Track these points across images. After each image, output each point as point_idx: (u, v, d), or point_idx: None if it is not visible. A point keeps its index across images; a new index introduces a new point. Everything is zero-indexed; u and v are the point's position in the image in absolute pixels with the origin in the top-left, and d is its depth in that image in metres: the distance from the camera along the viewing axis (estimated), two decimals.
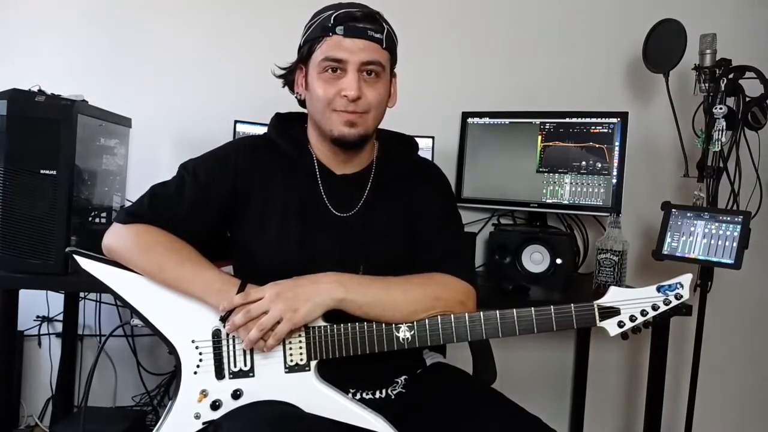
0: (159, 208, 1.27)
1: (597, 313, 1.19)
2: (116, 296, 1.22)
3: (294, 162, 1.32)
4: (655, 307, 1.19)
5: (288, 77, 1.34)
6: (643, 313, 1.19)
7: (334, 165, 1.33)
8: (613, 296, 1.20)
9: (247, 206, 1.29)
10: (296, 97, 1.34)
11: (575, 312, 1.19)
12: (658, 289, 1.20)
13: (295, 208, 1.28)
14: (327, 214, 1.30)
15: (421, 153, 1.45)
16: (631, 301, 1.20)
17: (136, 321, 1.23)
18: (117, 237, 1.25)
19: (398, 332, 1.19)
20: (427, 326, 1.20)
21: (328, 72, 1.23)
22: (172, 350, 1.21)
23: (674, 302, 1.19)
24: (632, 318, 1.19)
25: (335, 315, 1.20)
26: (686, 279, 1.20)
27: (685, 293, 1.19)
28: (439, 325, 1.20)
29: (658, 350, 1.94)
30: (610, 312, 1.20)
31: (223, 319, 1.17)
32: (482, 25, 2.43)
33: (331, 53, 1.22)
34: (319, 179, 1.32)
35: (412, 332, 1.19)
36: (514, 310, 1.20)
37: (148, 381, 2.29)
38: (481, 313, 1.20)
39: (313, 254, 1.25)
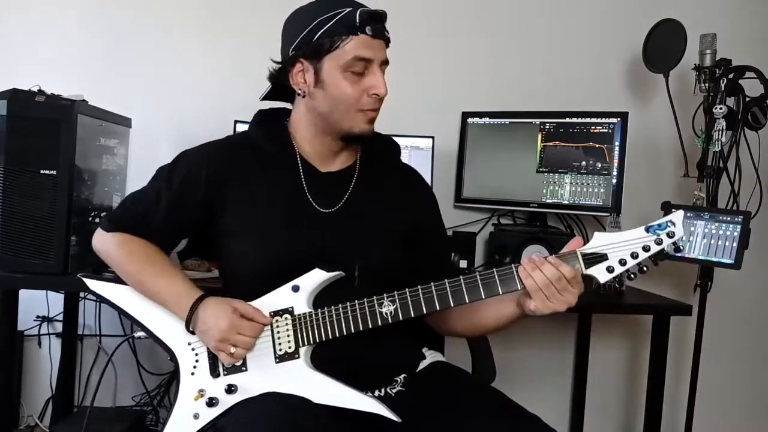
0: (137, 218, 1.32)
1: (581, 260, 1.13)
2: (122, 312, 1.30)
3: (276, 159, 1.32)
4: (646, 248, 1.10)
5: (282, 71, 1.31)
6: (634, 255, 1.11)
7: (319, 162, 1.33)
8: (598, 241, 1.13)
9: (226, 206, 1.29)
10: (298, 93, 1.29)
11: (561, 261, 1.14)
12: (647, 230, 1.11)
13: (278, 205, 1.28)
14: (311, 210, 1.30)
15: (421, 153, 1.46)
16: (618, 245, 1.12)
17: (140, 333, 1.30)
18: (102, 243, 1.35)
19: (381, 308, 1.19)
20: (409, 296, 1.19)
21: (353, 70, 1.23)
22: (172, 356, 1.26)
23: (666, 240, 1.10)
24: (622, 261, 1.11)
25: (321, 301, 1.22)
26: (677, 216, 1.12)
27: (678, 231, 1.10)
28: (420, 294, 1.19)
29: (658, 350, 1.94)
30: (596, 258, 1.13)
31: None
32: (482, 25, 2.43)
33: (360, 52, 1.22)
34: (303, 176, 1.31)
35: (395, 306, 1.19)
36: (495, 269, 1.17)
37: (148, 381, 2.29)
38: (461, 276, 1.19)
39: (301, 252, 1.25)
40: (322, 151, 1.33)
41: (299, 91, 1.29)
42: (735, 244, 1.87)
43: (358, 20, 1.22)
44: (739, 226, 1.87)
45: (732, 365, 2.53)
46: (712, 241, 1.90)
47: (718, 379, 2.46)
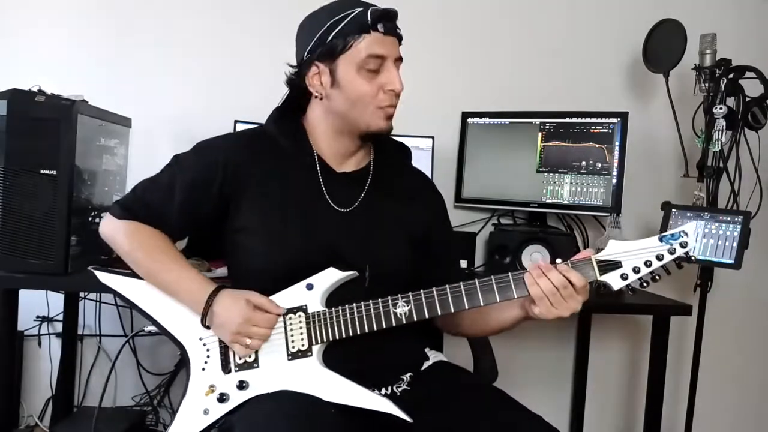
0: (150, 208, 1.30)
1: (596, 267, 1.15)
2: (132, 305, 1.30)
3: (293, 156, 1.32)
4: (659, 257, 1.13)
5: (298, 75, 1.31)
6: (648, 263, 1.13)
7: (335, 162, 1.34)
8: (613, 249, 1.15)
9: (242, 201, 1.29)
10: (315, 96, 1.30)
11: (572, 268, 1.16)
12: (661, 239, 1.14)
13: (295, 203, 1.29)
14: (328, 210, 1.30)
15: (421, 153, 1.46)
16: (632, 253, 1.14)
17: (150, 327, 1.30)
18: (111, 230, 1.32)
19: (395, 308, 1.20)
20: (423, 297, 1.20)
21: (368, 68, 1.24)
22: (182, 350, 1.26)
23: (679, 250, 1.13)
24: (636, 269, 1.14)
25: (331, 300, 1.22)
26: (690, 227, 1.14)
27: (690, 241, 1.13)
28: (435, 295, 1.20)
29: (658, 350, 1.94)
30: (611, 265, 1.15)
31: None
32: (482, 25, 2.43)
33: (374, 50, 1.24)
34: (320, 175, 1.32)
35: (409, 306, 1.19)
36: (510, 273, 1.19)
37: (148, 381, 2.29)
38: (476, 279, 1.20)
39: (316, 251, 1.26)
40: (338, 151, 1.33)
41: (316, 94, 1.29)
42: (735, 244, 1.87)
43: (369, 19, 1.23)
44: (739, 226, 1.87)
45: (732, 365, 2.53)
46: (712, 241, 1.90)
47: (718, 380, 2.46)
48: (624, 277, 1.15)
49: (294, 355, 1.21)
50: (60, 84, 1.81)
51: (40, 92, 1.72)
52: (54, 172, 1.66)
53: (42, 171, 1.66)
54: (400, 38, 1.29)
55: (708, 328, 2.10)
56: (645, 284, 1.16)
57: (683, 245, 1.13)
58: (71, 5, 2.27)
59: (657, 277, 1.16)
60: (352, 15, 1.24)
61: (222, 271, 1.79)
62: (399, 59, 1.29)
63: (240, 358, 1.22)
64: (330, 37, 1.24)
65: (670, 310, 1.97)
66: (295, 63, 1.33)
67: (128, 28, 2.29)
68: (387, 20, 1.25)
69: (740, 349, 2.54)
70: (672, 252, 1.14)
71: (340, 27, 1.23)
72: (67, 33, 2.27)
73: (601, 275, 1.15)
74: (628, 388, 2.53)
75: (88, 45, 2.27)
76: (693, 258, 1.15)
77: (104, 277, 1.31)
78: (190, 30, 2.31)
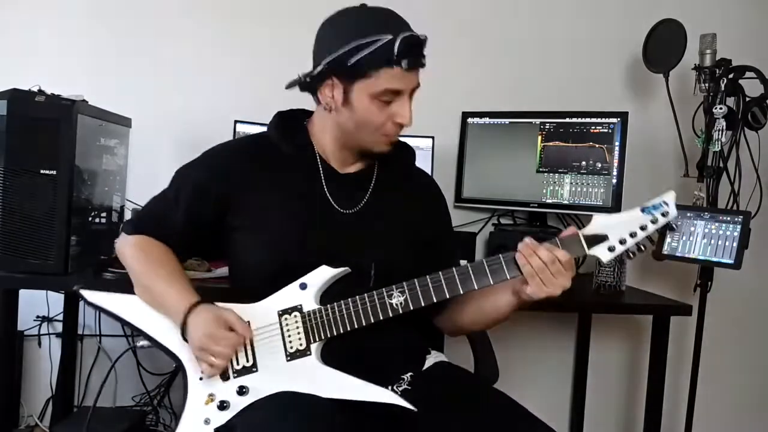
0: (156, 219, 1.33)
1: (583, 242, 1.18)
2: (123, 322, 1.30)
3: (295, 160, 1.32)
4: (643, 228, 1.17)
5: (312, 83, 1.27)
6: (633, 234, 1.17)
7: (338, 164, 1.34)
8: (598, 223, 1.19)
9: (244, 209, 1.29)
10: (325, 108, 1.27)
11: (561, 245, 1.17)
12: (643, 210, 1.18)
13: (298, 206, 1.29)
14: (331, 211, 1.30)
15: (421, 153, 1.46)
16: (617, 225, 1.18)
17: (142, 342, 1.29)
18: (121, 245, 1.36)
19: (391, 299, 1.20)
20: (418, 286, 1.20)
21: (382, 99, 1.22)
22: (178, 362, 1.25)
23: (661, 220, 1.17)
24: (622, 241, 1.17)
25: (329, 296, 1.22)
26: (670, 196, 1.18)
27: (671, 210, 1.17)
28: (429, 283, 1.20)
29: (658, 350, 1.94)
30: (598, 239, 1.18)
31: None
32: (483, 25, 2.43)
33: (393, 85, 1.21)
34: (323, 177, 1.32)
35: (405, 296, 1.20)
36: (500, 255, 1.20)
37: (148, 381, 2.29)
38: (468, 264, 1.21)
39: (320, 253, 1.25)
40: (336, 154, 1.33)
41: (326, 106, 1.27)
42: (735, 244, 1.87)
43: (396, 51, 1.17)
44: (739, 226, 1.87)
45: (732, 365, 2.53)
46: (712, 241, 1.90)
47: (718, 380, 2.46)
48: (611, 249, 1.18)
49: (293, 356, 1.21)
50: (60, 84, 1.81)
51: (40, 92, 1.72)
52: (54, 172, 1.66)
53: (42, 171, 1.66)
54: (423, 66, 1.25)
55: (708, 328, 2.10)
56: (632, 255, 1.20)
57: (665, 215, 1.17)
58: (72, 5, 2.27)
59: (642, 248, 1.19)
60: (379, 44, 1.18)
61: (222, 271, 1.79)
62: (417, 87, 1.25)
63: (238, 364, 1.21)
64: (352, 60, 1.18)
65: (670, 310, 1.97)
66: (310, 65, 1.28)
67: (128, 28, 2.29)
68: (413, 55, 1.20)
69: (740, 349, 2.54)
70: (654, 221, 1.17)
71: (364, 53, 1.18)
72: (67, 33, 2.27)
73: (589, 249, 1.18)
74: (628, 388, 2.53)
75: (88, 45, 2.28)
76: (674, 226, 1.20)
77: (92, 297, 1.30)
78: (190, 30, 2.31)
